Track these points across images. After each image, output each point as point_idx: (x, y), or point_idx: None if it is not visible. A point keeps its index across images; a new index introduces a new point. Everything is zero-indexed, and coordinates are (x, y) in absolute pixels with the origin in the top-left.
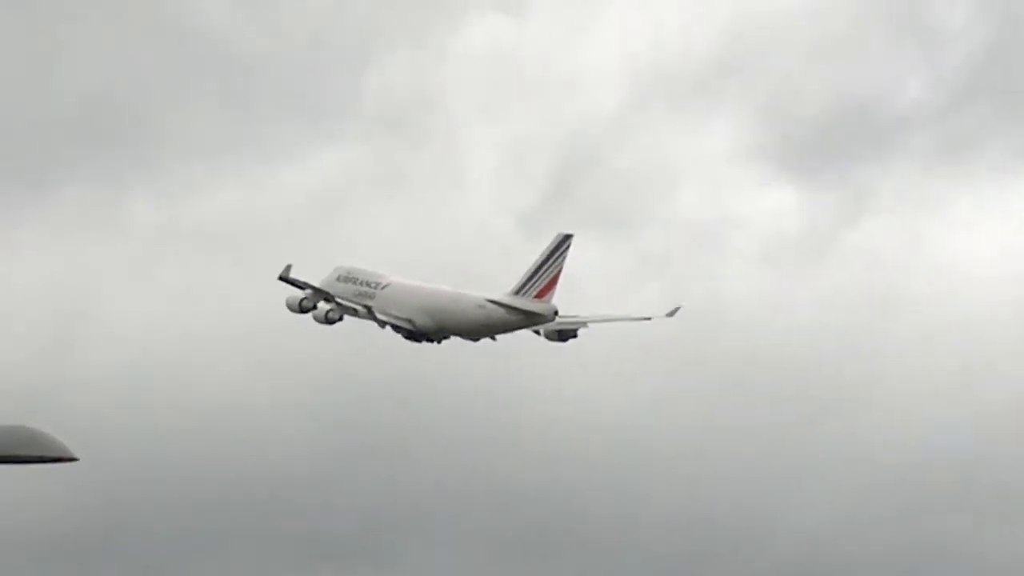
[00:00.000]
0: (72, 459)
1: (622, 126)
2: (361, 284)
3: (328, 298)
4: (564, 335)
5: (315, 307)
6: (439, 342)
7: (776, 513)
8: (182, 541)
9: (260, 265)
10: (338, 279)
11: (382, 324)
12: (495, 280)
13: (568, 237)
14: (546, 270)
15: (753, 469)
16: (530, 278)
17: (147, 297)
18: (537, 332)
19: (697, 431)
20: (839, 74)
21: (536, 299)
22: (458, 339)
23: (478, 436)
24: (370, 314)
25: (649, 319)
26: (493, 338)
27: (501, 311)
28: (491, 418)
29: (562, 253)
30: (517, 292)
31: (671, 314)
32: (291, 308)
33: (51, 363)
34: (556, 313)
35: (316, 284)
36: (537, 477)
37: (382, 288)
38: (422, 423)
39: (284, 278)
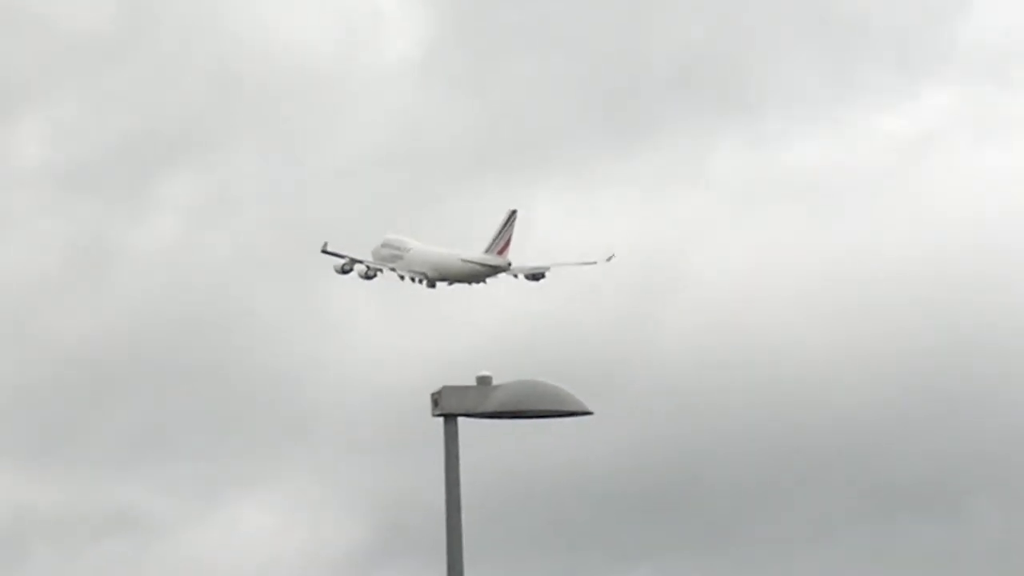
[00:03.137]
0: (587, 413)
1: None
2: (395, 249)
3: (360, 261)
4: (536, 277)
5: (352, 269)
6: (450, 284)
7: None
8: (734, 493)
9: (853, 213)
10: (382, 245)
11: (402, 277)
12: None
13: (514, 212)
14: (502, 236)
15: None
16: (493, 241)
17: (737, 250)
18: (515, 276)
19: None
20: None
21: (497, 255)
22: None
23: None
24: (393, 271)
25: (595, 263)
26: (485, 282)
27: (477, 265)
28: None
29: (511, 223)
30: (486, 251)
31: (609, 259)
32: (336, 271)
33: (636, 320)
34: (509, 264)
35: (361, 252)
36: None
37: (407, 252)
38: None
39: (325, 251)
